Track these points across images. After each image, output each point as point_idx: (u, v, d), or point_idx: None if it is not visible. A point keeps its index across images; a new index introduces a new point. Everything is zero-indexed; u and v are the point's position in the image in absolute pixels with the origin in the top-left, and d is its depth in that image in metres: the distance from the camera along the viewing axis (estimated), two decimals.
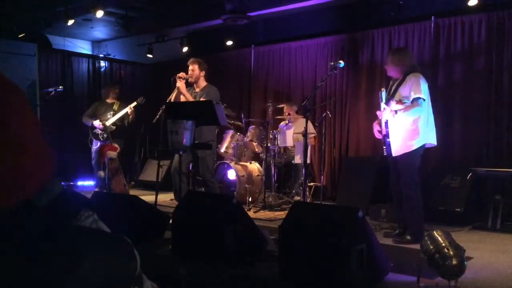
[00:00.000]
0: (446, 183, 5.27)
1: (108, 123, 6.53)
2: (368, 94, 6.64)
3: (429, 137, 4.28)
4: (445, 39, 5.98)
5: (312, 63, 7.33)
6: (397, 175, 4.34)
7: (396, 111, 4.15)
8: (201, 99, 5.13)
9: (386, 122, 4.32)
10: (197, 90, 5.34)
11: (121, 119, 6.63)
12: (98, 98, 7.40)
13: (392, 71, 4.36)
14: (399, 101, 4.18)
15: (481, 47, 5.72)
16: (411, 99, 4.15)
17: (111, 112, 6.66)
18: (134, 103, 6.65)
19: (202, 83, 5.36)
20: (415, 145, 4.19)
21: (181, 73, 5.17)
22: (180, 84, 5.07)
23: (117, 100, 6.87)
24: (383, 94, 4.36)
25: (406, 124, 4.19)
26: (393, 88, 4.35)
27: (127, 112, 6.58)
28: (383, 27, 6.55)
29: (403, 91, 4.21)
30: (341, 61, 4.65)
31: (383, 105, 4.32)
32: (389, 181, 4.57)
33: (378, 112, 4.42)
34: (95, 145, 6.68)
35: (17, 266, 0.74)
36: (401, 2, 5.82)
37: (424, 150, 4.33)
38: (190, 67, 5.32)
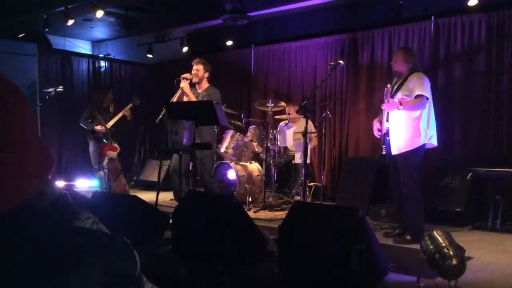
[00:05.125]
0: (446, 183, 5.27)
1: (108, 125, 6.53)
2: (368, 94, 6.63)
3: (430, 138, 4.28)
4: (445, 39, 5.98)
5: (312, 63, 7.33)
6: (396, 175, 4.34)
7: (401, 103, 4.13)
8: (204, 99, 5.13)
9: (387, 117, 4.30)
10: (199, 90, 5.35)
11: (121, 121, 6.62)
12: (93, 100, 7.38)
13: (400, 67, 4.37)
14: (402, 99, 4.18)
15: (481, 47, 5.72)
16: (414, 96, 4.16)
17: (109, 115, 6.65)
18: (130, 105, 6.64)
19: (205, 84, 5.37)
20: (416, 144, 4.19)
21: (186, 74, 5.18)
22: (184, 84, 5.09)
23: (110, 102, 6.87)
24: (389, 91, 4.35)
25: (408, 122, 4.18)
26: (396, 86, 4.35)
27: (125, 114, 6.58)
28: (383, 27, 6.55)
29: (406, 89, 4.23)
30: (341, 61, 4.65)
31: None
32: (389, 181, 4.58)
33: (383, 105, 4.39)
34: (92, 146, 6.68)
35: (18, 267, 0.74)
36: (401, 2, 5.82)
37: (424, 151, 4.33)
38: (195, 67, 5.32)
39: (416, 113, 4.19)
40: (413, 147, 4.19)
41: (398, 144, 4.23)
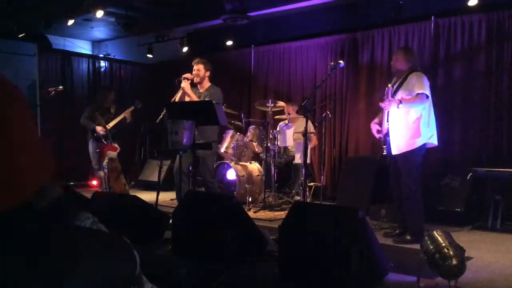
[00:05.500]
0: (446, 183, 5.27)
1: (109, 126, 6.53)
2: (368, 94, 6.63)
3: (431, 137, 4.28)
4: (445, 39, 5.98)
5: (312, 63, 7.33)
6: (397, 175, 4.34)
7: (401, 101, 4.12)
8: (206, 99, 5.13)
9: (388, 116, 4.29)
10: (201, 90, 5.35)
11: (121, 122, 6.63)
12: (93, 100, 7.40)
13: (400, 66, 4.36)
14: (402, 98, 4.17)
15: (481, 47, 5.72)
16: (414, 94, 4.15)
17: (110, 116, 6.65)
18: (132, 108, 6.65)
19: (206, 83, 5.37)
20: (416, 143, 4.19)
21: (187, 74, 5.18)
22: (185, 84, 5.08)
23: (112, 103, 6.88)
24: (390, 91, 4.33)
25: (408, 122, 4.18)
26: (395, 86, 4.35)
27: (125, 117, 6.59)
28: (383, 27, 6.55)
29: (406, 88, 4.22)
30: (341, 61, 4.65)
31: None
32: (389, 181, 4.58)
33: (382, 104, 4.38)
34: (92, 146, 6.69)
35: (16, 267, 0.73)
36: (401, 2, 5.82)
37: (424, 150, 4.33)
38: (195, 67, 5.31)
39: (417, 113, 4.18)
40: (414, 147, 4.19)
41: (399, 144, 4.23)
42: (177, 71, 5.40)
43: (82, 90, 8.87)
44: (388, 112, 4.32)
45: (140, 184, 8.28)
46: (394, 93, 4.30)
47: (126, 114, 6.58)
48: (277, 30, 7.72)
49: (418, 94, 4.14)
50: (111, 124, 6.54)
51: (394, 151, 4.25)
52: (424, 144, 4.25)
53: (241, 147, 6.61)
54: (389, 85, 4.40)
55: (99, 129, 6.53)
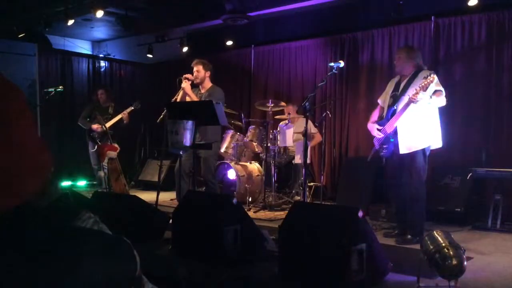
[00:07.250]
0: (446, 183, 5.27)
1: (107, 125, 6.54)
2: (368, 94, 6.63)
3: (437, 138, 4.25)
4: (445, 39, 5.98)
5: (312, 63, 7.33)
6: (400, 175, 4.28)
7: (434, 93, 4.05)
8: (206, 99, 5.13)
9: (395, 115, 4.25)
10: (203, 91, 5.34)
11: (118, 123, 6.63)
12: (92, 100, 7.41)
13: (406, 66, 4.34)
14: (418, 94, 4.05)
15: (481, 47, 5.72)
16: (432, 91, 4.12)
17: (107, 116, 6.65)
18: (130, 108, 6.65)
19: (208, 84, 5.36)
20: (428, 143, 4.17)
21: (188, 74, 5.17)
22: (185, 84, 5.07)
23: (110, 102, 6.87)
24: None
25: (424, 121, 4.13)
26: (403, 84, 4.32)
27: (122, 117, 6.59)
28: (383, 27, 6.55)
29: (416, 86, 4.16)
30: (341, 61, 4.63)
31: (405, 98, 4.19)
32: (389, 181, 4.54)
33: (379, 100, 4.36)
34: (91, 146, 6.70)
35: (18, 267, 0.74)
36: (401, 2, 5.82)
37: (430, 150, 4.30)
38: (195, 69, 5.29)
39: (433, 113, 4.17)
40: (425, 146, 4.16)
41: (412, 142, 4.14)
42: (177, 71, 5.40)
43: (82, 90, 8.87)
44: (395, 111, 4.25)
45: (140, 184, 8.28)
46: (403, 91, 4.26)
47: (123, 115, 6.58)
48: (277, 30, 7.72)
49: (436, 91, 4.12)
50: (108, 124, 6.54)
51: (403, 150, 4.16)
52: (430, 145, 4.22)
53: (241, 147, 6.61)
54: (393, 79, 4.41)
55: (95, 127, 6.54)
